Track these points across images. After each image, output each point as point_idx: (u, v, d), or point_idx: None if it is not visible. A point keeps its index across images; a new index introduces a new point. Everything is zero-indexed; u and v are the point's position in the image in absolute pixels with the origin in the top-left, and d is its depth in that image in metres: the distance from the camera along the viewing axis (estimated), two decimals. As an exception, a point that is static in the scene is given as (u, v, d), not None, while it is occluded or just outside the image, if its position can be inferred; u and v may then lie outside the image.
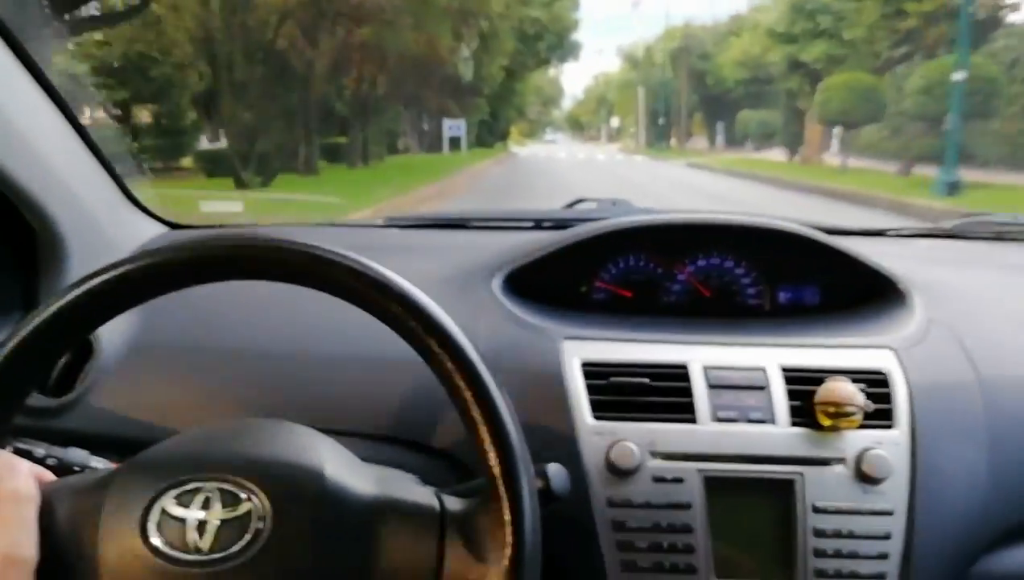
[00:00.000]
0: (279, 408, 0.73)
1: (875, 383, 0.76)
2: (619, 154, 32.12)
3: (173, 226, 1.13)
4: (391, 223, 1.21)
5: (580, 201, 1.29)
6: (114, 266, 0.52)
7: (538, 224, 1.16)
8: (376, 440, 0.76)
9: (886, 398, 0.76)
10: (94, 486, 0.52)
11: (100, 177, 1.00)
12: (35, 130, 0.86)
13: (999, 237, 1.20)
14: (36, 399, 0.78)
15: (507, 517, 0.50)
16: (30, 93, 0.86)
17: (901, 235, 1.18)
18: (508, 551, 0.50)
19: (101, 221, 0.97)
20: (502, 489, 0.51)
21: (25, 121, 0.84)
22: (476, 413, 0.51)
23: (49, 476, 0.54)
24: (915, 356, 0.80)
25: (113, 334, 0.83)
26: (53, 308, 0.51)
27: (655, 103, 34.48)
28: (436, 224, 1.22)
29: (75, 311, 0.52)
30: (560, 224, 1.08)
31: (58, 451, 0.63)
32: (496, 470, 0.51)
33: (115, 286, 0.52)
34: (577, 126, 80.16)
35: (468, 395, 0.51)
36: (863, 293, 0.92)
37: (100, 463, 0.64)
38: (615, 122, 59.89)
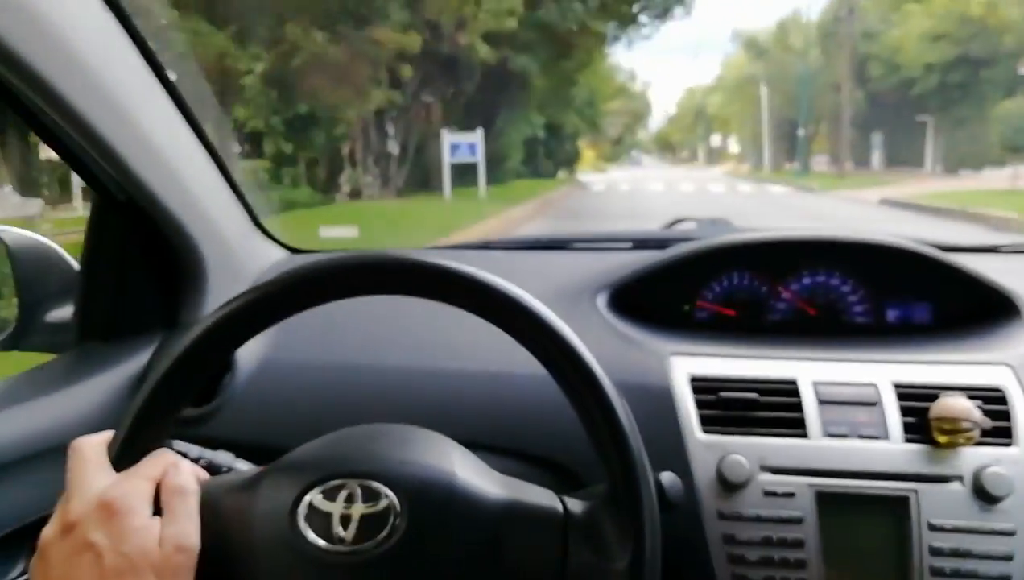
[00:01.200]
0: (399, 419, 0.73)
1: (992, 400, 0.75)
2: (743, 184, 21.06)
3: (295, 251, 1.20)
4: (490, 245, 1.25)
5: (679, 221, 1.30)
6: (266, 285, 0.57)
7: (638, 245, 1.17)
8: (493, 452, 0.78)
9: (1005, 415, 0.74)
10: (248, 483, 0.58)
11: (232, 203, 1.06)
12: (178, 156, 0.91)
13: None
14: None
15: (629, 519, 0.53)
16: (173, 119, 0.92)
17: (1016, 250, 1.15)
18: (631, 552, 0.52)
19: (234, 245, 1.04)
20: (624, 492, 0.53)
21: (170, 147, 0.90)
22: (599, 421, 0.54)
23: (205, 475, 0.59)
24: None
25: (248, 351, 0.90)
26: (216, 319, 0.57)
27: (786, 108, 24.40)
28: (536, 246, 1.25)
29: (231, 325, 0.57)
30: (660, 244, 1.09)
31: (208, 453, 0.69)
32: (618, 474, 0.53)
33: (268, 301, 0.57)
34: (667, 147, 70.19)
35: (592, 404, 0.54)
36: (976, 310, 0.90)
37: (244, 465, 0.69)
38: (715, 141, 51.94)
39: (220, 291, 0.98)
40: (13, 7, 0.64)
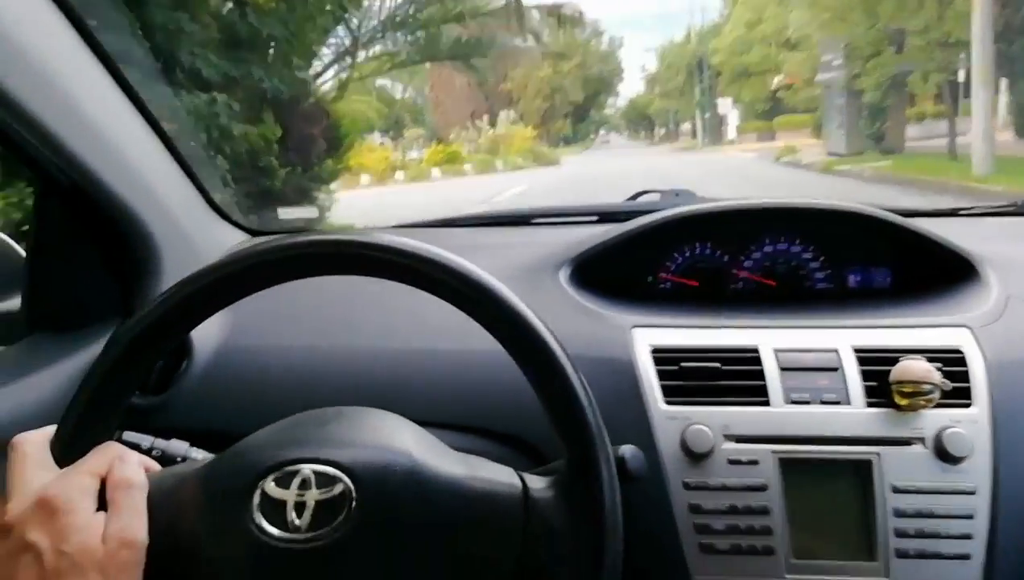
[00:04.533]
0: (359, 401, 0.73)
1: (952, 362, 0.75)
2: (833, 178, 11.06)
3: (254, 233, 1.18)
4: (453, 223, 1.24)
5: (643, 193, 1.29)
6: (217, 265, 0.55)
7: (602, 218, 1.16)
8: (452, 429, 0.77)
9: (964, 377, 0.75)
10: (198, 473, 0.56)
11: (185, 185, 1.03)
12: (125, 139, 0.88)
13: None
14: (136, 398, 0.82)
15: (589, 493, 0.52)
16: (118, 102, 0.89)
17: (973, 214, 1.16)
18: (591, 528, 0.52)
19: (188, 228, 1.01)
20: (583, 466, 0.53)
21: (115, 130, 0.87)
22: (555, 395, 0.53)
23: (155, 466, 0.58)
24: (992, 333, 0.78)
25: (204, 337, 0.88)
26: (164, 303, 0.55)
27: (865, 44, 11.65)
28: (498, 222, 1.24)
29: (180, 309, 0.55)
30: (624, 217, 1.07)
31: (161, 443, 0.67)
32: (576, 448, 0.53)
33: (220, 282, 0.56)
34: (640, 122, 49.21)
35: (546, 377, 0.53)
36: (935, 273, 0.90)
37: (200, 454, 0.68)
38: (725, 107, 29.93)
39: (176, 276, 0.94)
40: None
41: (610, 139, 48.63)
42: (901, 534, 0.70)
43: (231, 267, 0.55)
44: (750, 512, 0.72)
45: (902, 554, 0.70)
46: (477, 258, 0.86)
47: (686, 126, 39.44)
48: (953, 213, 1.15)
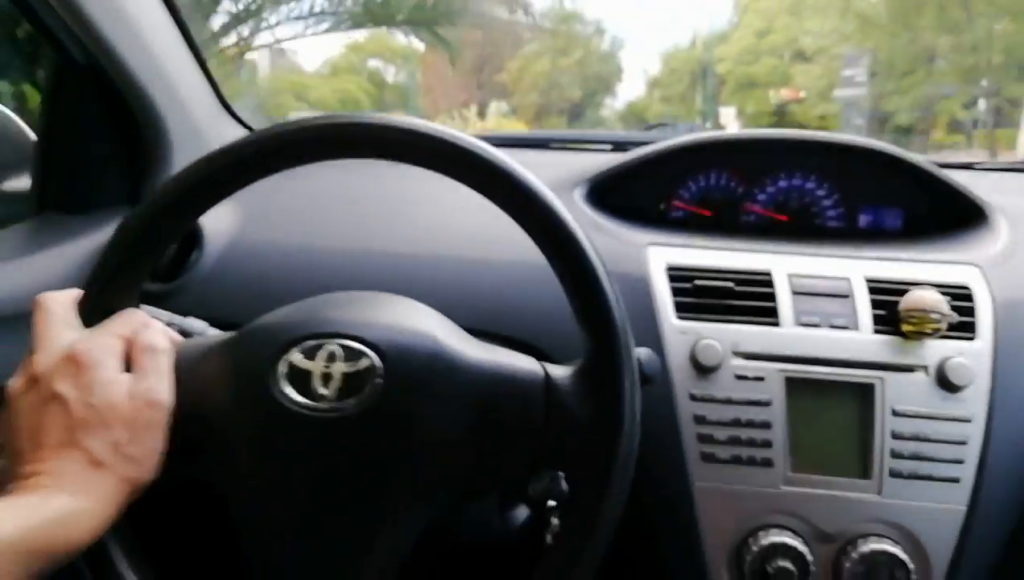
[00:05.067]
0: None
1: (959, 297, 0.77)
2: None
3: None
4: None
5: (659, 124, 1.32)
6: (240, 143, 0.54)
7: (617, 146, 1.16)
8: (469, 332, 0.78)
9: (970, 312, 0.77)
10: (223, 343, 0.56)
11: (200, 81, 1.03)
12: (148, 22, 0.88)
13: None
14: (146, 285, 0.81)
15: (611, 384, 0.53)
16: None
17: (989, 169, 1.17)
18: (611, 416, 0.52)
19: (201, 123, 1.00)
20: (606, 359, 0.53)
21: (140, 13, 0.86)
22: (585, 290, 0.53)
23: (178, 337, 0.58)
24: (1000, 274, 0.80)
25: (216, 229, 0.87)
26: (189, 174, 0.54)
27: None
28: (516, 143, 1.25)
29: (204, 183, 0.55)
30: (639, 145, 1.08)
31: (178, 319, 0.66)
32: (601, 342, 0.53)
33: (243, 161, 0.54)
34: (636, 127, 39.68)
35: (578, 273, 0.53)
36: (947, 217, 0.92)
37: (216, 332, 0.66)
38: (727, 115, 27.72)
39: (183, 165, 0.95)
40: None
41: None
42: (896, 455, 0.72)
43: (265, 141, 0.54)
44: (752, 425, 0.73)
45: (895, 474, 0.72)
46: None
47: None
48: (969, 166, 1.16)
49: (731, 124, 27.53)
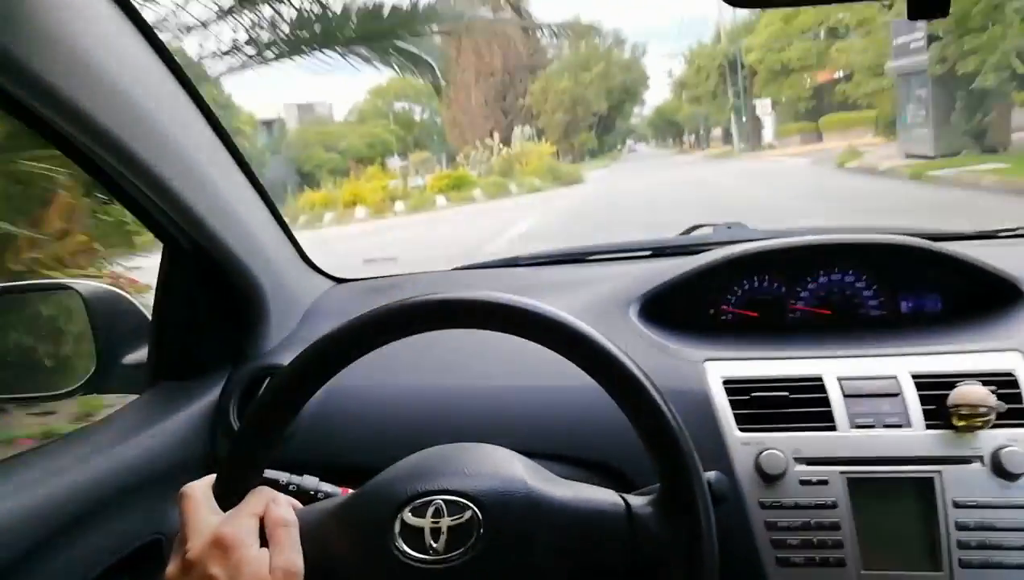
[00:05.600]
0: (460, 436, 0.78)
1: (1005, 384, 0.81)
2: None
3: (339, 281, 1.27)
4: (514, 263, 1.32)
5: (696, 227, 1.36)
6: (352, 323, 0.63)
7: (657, 253, 1.22)
8: (550, 459, 0.82)
9: (1017, 398, 0.80)
10: (342, 508, 0.65)
11: (281, 238, 1.12)
12: (234, 197, 0.96)
13: None
14: None
15: (687, 515, 0.59)
16: (225, 162, 0.96)
17: (1014, 235, 1.20)
18: (691, 545, 0.59)
19: (288, 280, 1.10)
20: (680, 491, 0.60)
21: (227, 188, 0.95)
22: (652, 427, 0.60)
23: (299, 504, 0.66)
24: None
25: None
26: (302, 360, 0.62)
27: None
28: (559, 260, 1.31)
29: (317, 364, 0.63)
30: (679, 251, 1.14)
31: (296, 479, 0.75)
32: (673, 474, 0.60)
33: (358, 336, 0.63)
34: (668, 129, 45.14)
35: (644, 412, 0.60)
36: (983, 296, 0.96)
37: (328, 487, 0.75)
38: (763, 108, 26.27)
39: (280, 323, 1.05)
40: (81, 65, 0.69)
41: (637, 149, 45.93)
42: (964, 546, 0.75)
43: (376, 320, 0.63)
44: (822, 528, 0.78)
45: (965, 564, 0.75)
46: (548, 297, 0.89)
47: (716, 132, 36.44)
48: (993, 236, 1.19)
49: (766, 117, 27.09)
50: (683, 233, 1.35)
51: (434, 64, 6.55)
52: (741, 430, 0.83)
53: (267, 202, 1.08)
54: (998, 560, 0.75)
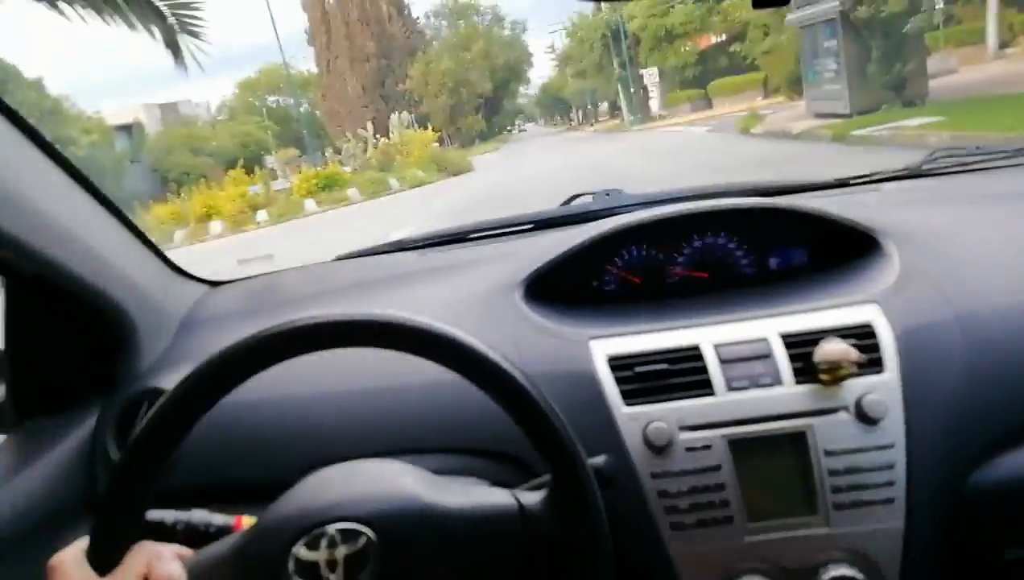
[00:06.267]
0: (354, 441, 0.85)
1: (864, 335, 0.87)
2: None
3: (213, 284, 1.23)
4: (400, 246, 1.33)
5: (577, 196, 1.40)
6: (223, 353, 0.60)
7: (539, 225, 1.27)
8: (452, 453, 0.87)
9: (875, 347, 0.86)
10: (231, 552, 0.62)
11: (139, 249, 1.06)
12: (73, 217, 0.90)
13: (964, 170, 1.30)
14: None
15: (577, 503, 0.62)
16: (58, 180, 0.90)
17: (866, 181, 1.28)
18: (582, 533, 0.62)
19: (154, 293, 1.05)
20: (568, 484, 0.62)
21: (62, 210, 0.88)
22: (534, 426, 0.62)
23: (187, 552, 0.63)
24: (896, 305, 0.90)
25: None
26: (166, 403, 0.60)
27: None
28: (441, 241, 1.32)
29: (188, 401, 0.60)
30: (561, 222, 1.24)
31: (183, 516, 0.71)
32: (559, 469, 0.63)
33: (237, 361, 0.61)
34: (556, 107, 44.82)
35: (522, 412, 0.62)
36: (845, 247, 1.03)
37: (220, 518, 0.72)
38: (650, 76, 25.39)
39: (152, 340, 1.01)
40: None
41: (527, 128, 44.92)
42: (836, 489, 0.82)
43: (239, 351, 0.60)
44: (708, 490, 0.82)
45: (838, 506, 0.81)
46: (435, 284, 1.09)
47: (603, 106, 35.23)
48: (845, 183, 1.28)
49: (653, 87, 26.38)
50: (563, 204, 1.39)
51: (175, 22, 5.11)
52: (628, 405, 0.86)
53: (118, 215, 1.02)
54: (865, 499, 0.81)
